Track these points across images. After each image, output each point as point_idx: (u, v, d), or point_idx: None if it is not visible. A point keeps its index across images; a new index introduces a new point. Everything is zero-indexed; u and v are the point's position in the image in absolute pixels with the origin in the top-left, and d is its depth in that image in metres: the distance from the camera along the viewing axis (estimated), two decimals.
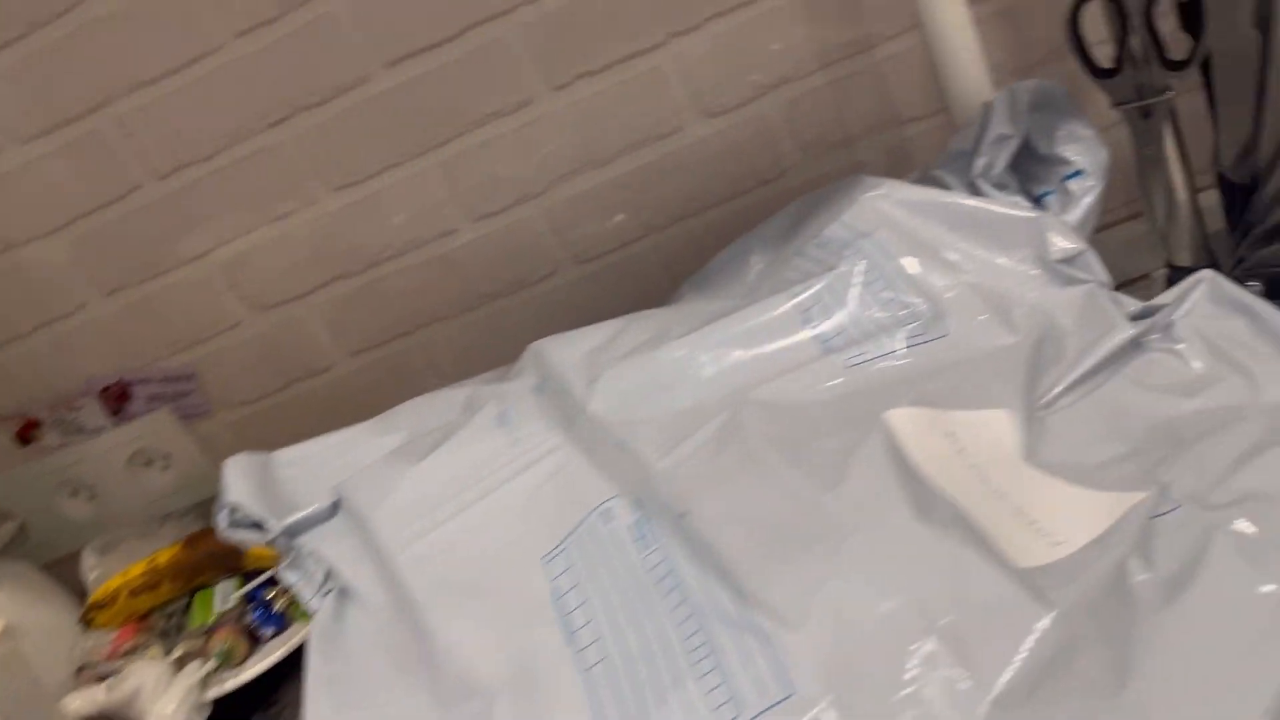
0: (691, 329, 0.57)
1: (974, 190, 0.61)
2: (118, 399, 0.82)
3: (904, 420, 0.46)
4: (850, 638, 0.37)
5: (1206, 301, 0.52)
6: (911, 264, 0.55)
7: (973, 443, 0.46)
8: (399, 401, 0.64)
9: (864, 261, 0.56)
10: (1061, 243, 0.55)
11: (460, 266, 0.77)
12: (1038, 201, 0.62)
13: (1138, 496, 0.41)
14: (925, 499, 0.41)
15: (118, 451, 0.83)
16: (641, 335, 0.60)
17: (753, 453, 0.47)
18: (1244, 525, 0.39)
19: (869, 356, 0.53)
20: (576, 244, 0.76)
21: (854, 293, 0.55)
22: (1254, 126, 0.61)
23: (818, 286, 0.56)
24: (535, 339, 0.62)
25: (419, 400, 0.65)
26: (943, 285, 0.54)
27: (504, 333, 0.78)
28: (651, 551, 0.45)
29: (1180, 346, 0.50)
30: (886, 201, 0.58)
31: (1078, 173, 0.62)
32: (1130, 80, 0.62)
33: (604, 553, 0.46)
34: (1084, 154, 0.61)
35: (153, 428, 0.82)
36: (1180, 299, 0.52)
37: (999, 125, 0.61)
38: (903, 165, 0.71)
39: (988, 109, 0.62)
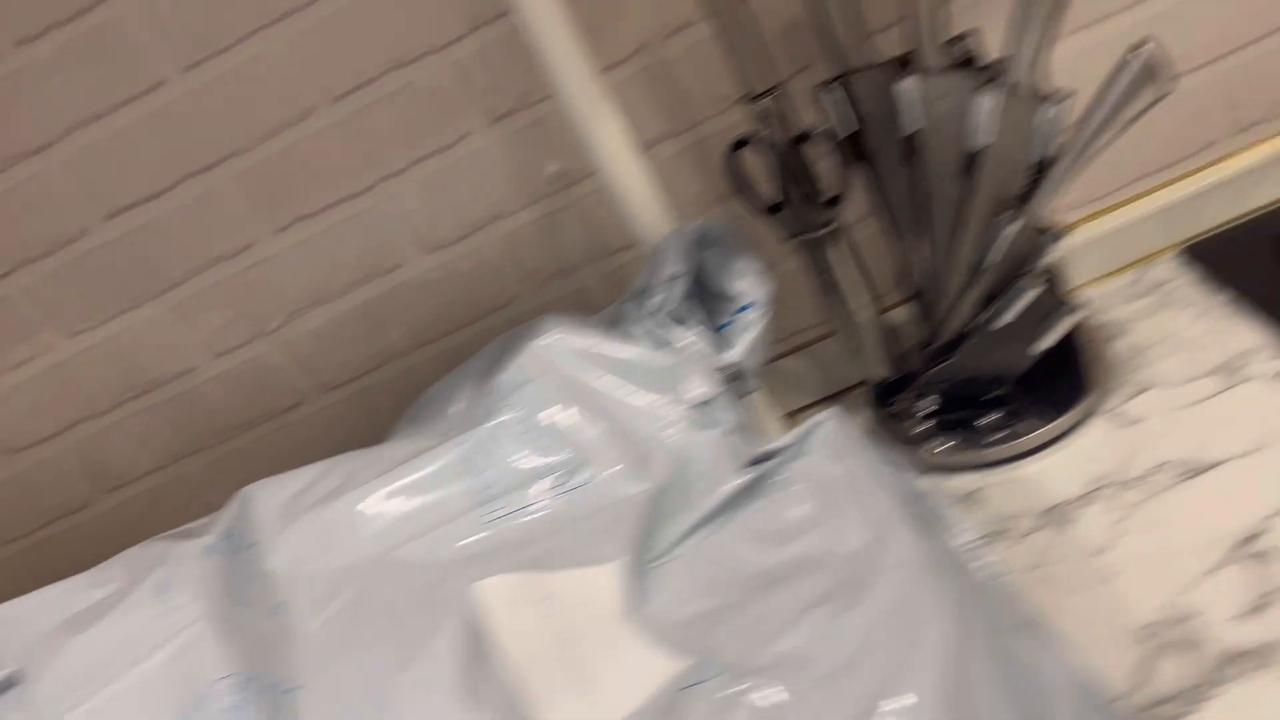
0: (372, 476, 0.59)
1: (654, 325, 0.64)
2: None
3: (496, 591, 0.48)
4: None
5: (824, 444, 0.54)
6: (561, 413, 0.57)
7: (571, 604, 0.48)
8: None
9: (521, 410, 0.58)
10: (699, 387, 0.57)
11: (204, 402, 0.78)
12: (719, 332, 0.65)
13: (679, 665, 0.42)
14: (481, 680, 0.43)
15: None
16: (334, 481, 0.61)
17: (370, 621, 0.49)
18: (766, 696, 0.41)
19: (510, 510, 0.54)
20: (320, 373, 0.78)
21: (508, 443, 0.57)
22: (929, 250, 0.64)
23: (477, 436, 0.58)
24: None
25: (133, 550, 0.66)
26: (589, 434, 0.56)
27: (256, 467, 0.79)
28: None
29: (793, 489, 0.53)
30: (550, 349, 0.60)
31: (748, 305, 0.64)
32: (793, 216, 0.65)
33: None
34: (753, 287, 0.64)
35: None
36: (801, 440, 0.54)
37: (669, 264, 0.64)
38: (620, 292, 0.74)
39: (658, 249, 0.64)
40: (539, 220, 0.73)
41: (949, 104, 0.60)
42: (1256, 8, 0.68)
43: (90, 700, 0.51)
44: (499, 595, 0.47)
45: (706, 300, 0.66)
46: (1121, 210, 0.74)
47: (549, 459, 0.56)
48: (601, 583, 0.49)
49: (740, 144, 0.63)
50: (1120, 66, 0.54)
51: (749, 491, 0.53)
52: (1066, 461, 0.62)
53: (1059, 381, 0.66)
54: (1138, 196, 0.74)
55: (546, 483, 0.55)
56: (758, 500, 0.53)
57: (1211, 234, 0.72)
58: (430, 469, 0.58)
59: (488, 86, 0.68)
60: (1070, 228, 0.73)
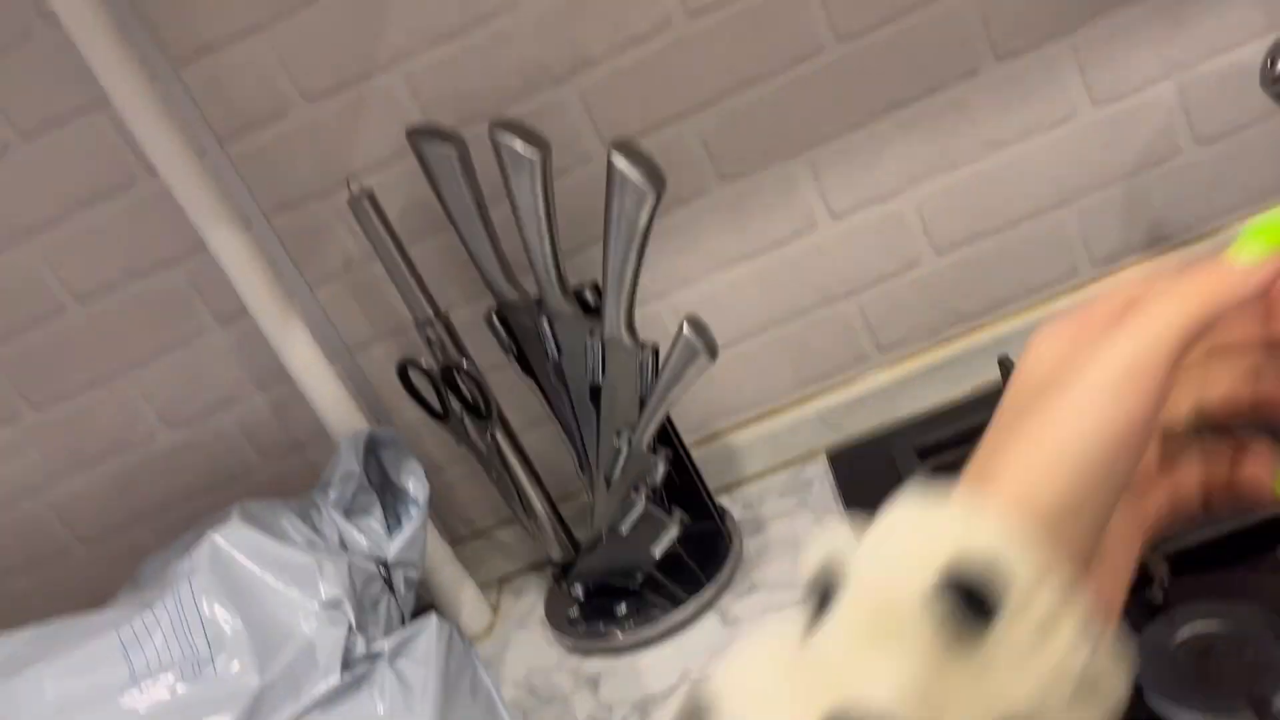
0: (53, 649, 0.68)
1: (335, 516, 0.73)
2: None
3: None
4: None
5: (420, 647, 0.63)
6: (210, 604, 0.66)
7: None
8: None
9: (177, 597, 0.67)
10: (327, 588, 0.66)
11: None
12: (397, 526, 0.74)
13: None
14: None
15: None
16: (28, 649, 0.70)
17: None
18: None
19: (152, 691, 0.63)
20: (79, 526, 0.87)
21: (162, 628, 0.66)
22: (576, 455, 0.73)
23: (142, 619, 0.67)
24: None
25: None
26: (229, 627, 0.65)
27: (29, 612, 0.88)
28: None
29: (379, 688, 0.61)
30: (221, 538, 0.69)
31: (413, 502, 0.74)
32: (456, 427, 0.75)
33: None
34: (417, 487, 0.74)
35: None
36: (402, 642, 0.63)
37: (346, 463, 0.73)
38: None
39: (338, 450, 0.74)
40: (269, 403, 0.83)
41: (575, 342, 0.70)
42: (885, 242, 0.78)
43: None
44: None
45: (390, 496, 0.76)
46: (790, 411, 0.83)
47: (185, 649, 0.65)
48: None
49: (405, 364, 0.73)
50: (676, 336, 0.64)
51: (347, 688, 0.62)
52: (671, 654, 0.71)
53: (690, 576, 0.75)
54: (802, 400, 0.83)
55: (180, 671, 0.63)
56: (351, 698, 0.61)
57: (850, 443, 0.82)
58: (90, 647, 0.67)
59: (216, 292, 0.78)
60: (726, 431, 0.83)
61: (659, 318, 0.80)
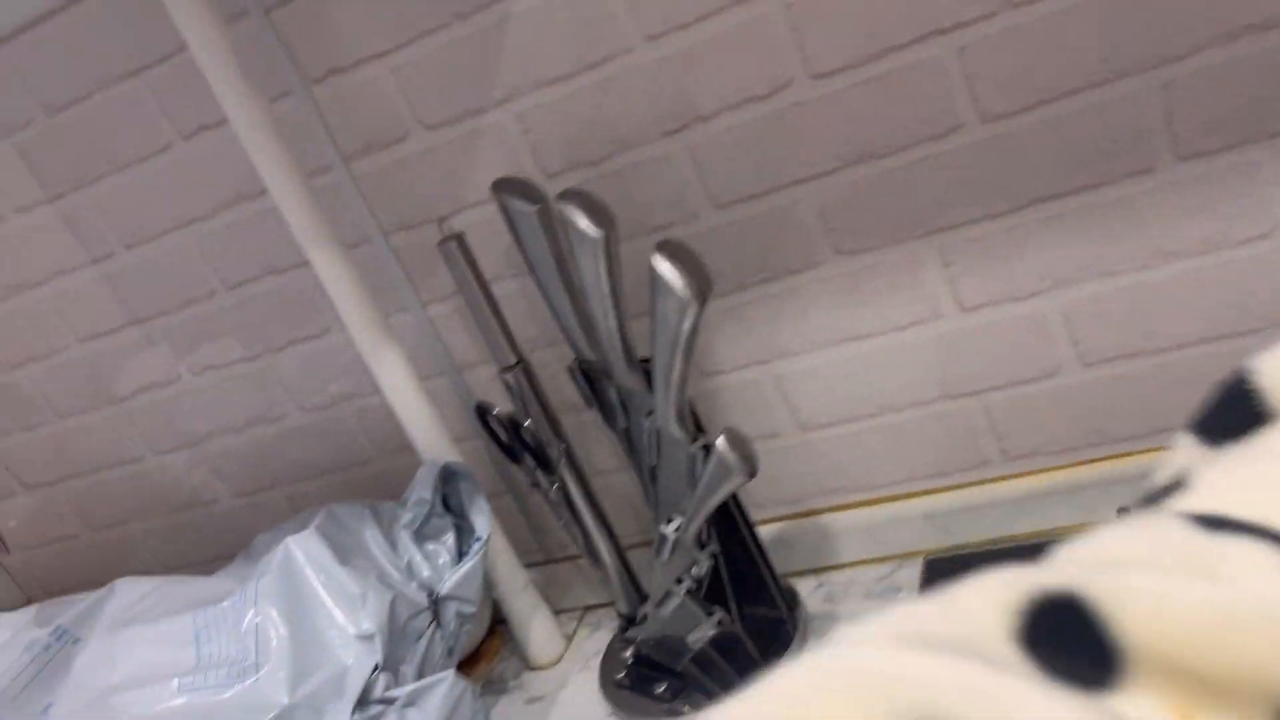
0: (156, 615, 0.75)
1: (408, 538, 0.75)
2: None
3: None
4: None
5: (434, 700, 0.64)
6: (266, 610, 0.70)
7: None
8: None
9: (245, 596, 0.72)
10: (367, 620, 0.68)
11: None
12: (460, 558, 0.76)
13: None
14: None
15: None
16: (145, 603, 0.78)
17: None
18: None
19: (203, 685, 0.69)
20: (238, 495, 0.95)
21: (228, 625, 0.71)
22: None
23: (214, 609, 0.72)
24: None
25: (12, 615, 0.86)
26: (275, 638, 0.69)
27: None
28: None
29: None
30: (295, 546, 0.73)
31: (478, 537, 0.75)
32: (529, 470, 0.74)
33: None
34: (481, 524, 0.74)
35: None
36: (418, 693, 0.65)
37: (421, 490, 0.75)
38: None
39: (418, 477, 0.76)
40: (384, 405, 0.86)
41: (640, 413, 0.67)
42: (1021, 344, 0.69)
43: None
44: None
45: (460, 521, 0.77)
46: (895, 504, 0.76)
47: (239, 651, 0.69)
48: None
49: (481, 408, 0.73)
50: (712, 449, 0.59)
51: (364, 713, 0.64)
52: None
53: (746, 661, 0.71)
54: (909, 495, 0.76)
55: (232, 670, 0.68)
56: None
57: (954, 552, 0.74)
58: (177, 627, 0.73)
59: None
60: (823, 511, 0.77)
61: (757, 385, 0.75)
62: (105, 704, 0.69)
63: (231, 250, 0.83)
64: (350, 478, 0.91)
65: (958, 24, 0.61)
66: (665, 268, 0.55)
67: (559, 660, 0.83)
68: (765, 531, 0.79)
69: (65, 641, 0.78)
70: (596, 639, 0.83)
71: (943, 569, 0.74)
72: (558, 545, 0.87)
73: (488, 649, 0.85)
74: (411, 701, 0.65)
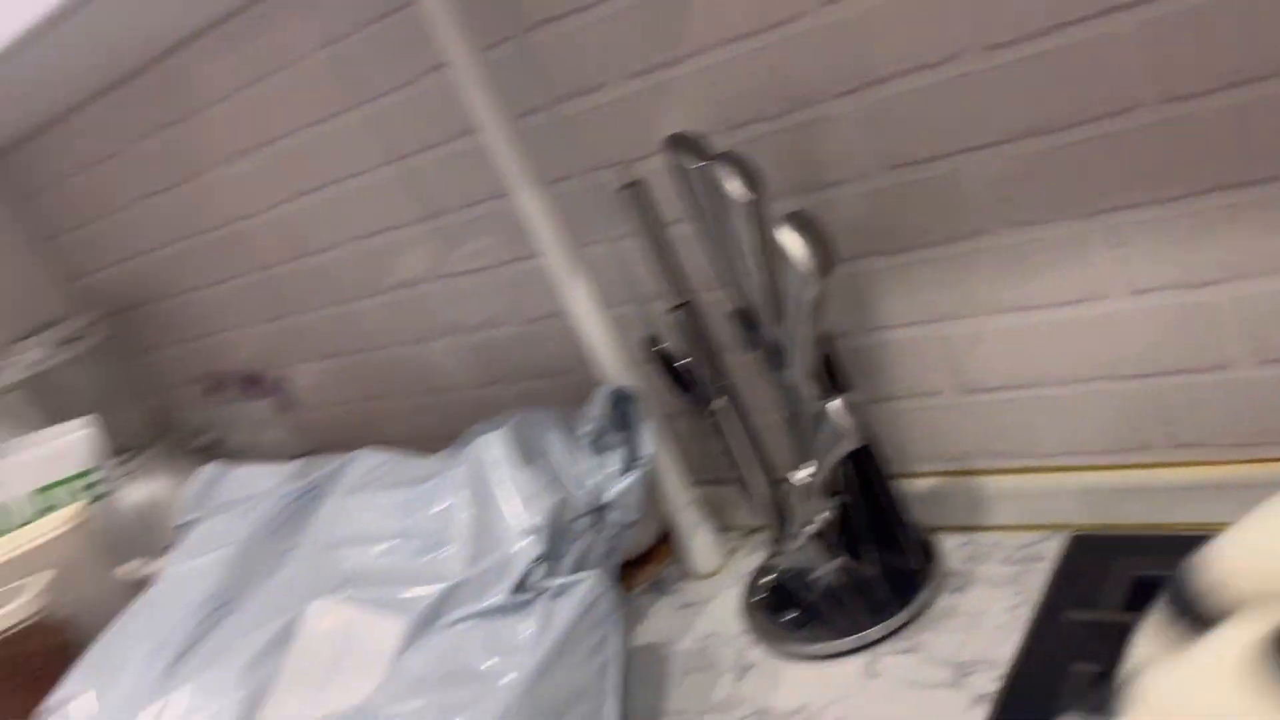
0: (386, 484, 0.89)
1: (587, 446, 0.84)
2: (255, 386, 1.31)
3: (319, 607, 0.76)
4: None
5: (575, 595, 0.73)
6: (462, 492, 0.81)
7: (360, 636, 0.75)
8: None
9: (445, 480, 0.83)
10: (538, 514, 0.77)
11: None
12: (624, 473, 0.84)
13: (371, 698, 0.68)
14: (267, 657, 0.73)
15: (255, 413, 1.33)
16: (379, 471, 0.92)
17: (288, 587, 0.80)
18: None
19: (401, 551, 0.81)
20: (465, 388, 1.08)
21: (429, 504, 0.83)
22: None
23: (421, 489, 0.84)
24: None
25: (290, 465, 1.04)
26: (461, 518, 0.80)
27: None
28: None
29: (531, 618, 0.73)
30: (494, 439, 0.83)
31: (643, 454, 0.82)
32: (693, 401, 0.81)
33: None
34: (648, 441, 0.82)
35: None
36: (563, 587, 0.74)
37: (599, 407, 0.83)
38: None
39: (595, 395, 0.84)
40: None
41: (781, 368, 0.71)
42: (1192, 333, 0.66)
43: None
44: (319, 611, 0.76)
45: (630, 437, 0.85)
46: (1050, 476, 0.76)
47: (431, 526, 0.81)
48: (388, 631, 0.75)
49: (651, 341, 0.79)
50: (826, 412, 0.62)
51: (507, 608, 0.74)
52: (809, 680, 0.73)
53: (874, 605, 0.75)
54: (1065, 469, 0.75)
55: (418, 543, 0.80)
56: (502, 618, 0.74)
57: (1103, 531, 0.73)
58: (395, 498, 0.86)
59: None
60: (981, 473, 0.79)
61: (921, 343, 0.76)
62: (328, 555, 0.84)
63: (460, 177, 0.93)
64: (556, 385, 1.01)
65: None
66: (790, 240, 0.58)
67: (715, 574, 0.90)
68: (920, 485, 0.81)
69: (312, 496, 0.94)
70: (754, 560, 0.89)
71: (1088, 546, 0.73)
72: (725, 469, 0.93)
73: (656, 554, 0.93)
74: (560, 593, 0.74)
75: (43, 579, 0.98)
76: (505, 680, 0.69)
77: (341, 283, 1.12)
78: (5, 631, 0.94)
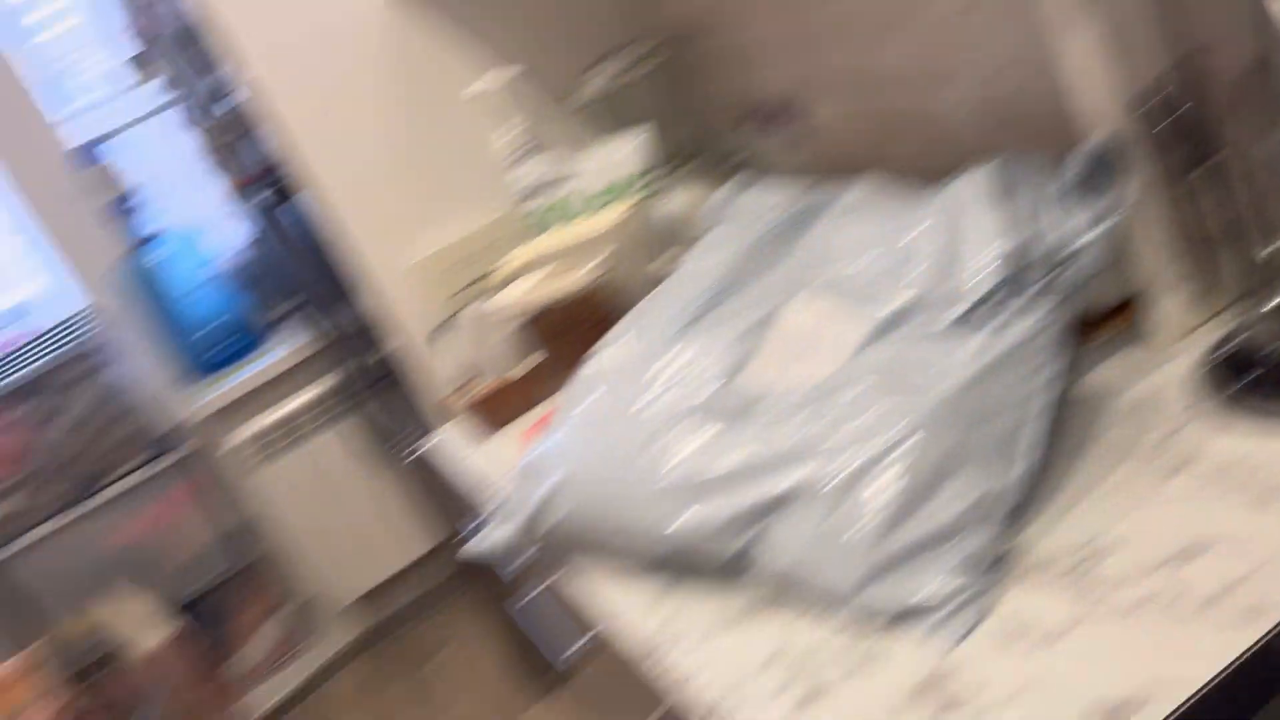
0: (870, 204, 1.01)
1: (1061, 197, 0.89)
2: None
3: (800, 301, 0.91)
4: None
5: (1028, 323, 0.81)
6: (934, 225, 0.90)
7: (829, 328, 0.89)
8: None
9: (919, 216, 0.92)
10: (995, 251, 0.84)
11: None
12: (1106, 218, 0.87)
13: (835, 379, 0.84)
14: (741, 335, 0.90)
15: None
16: (865, 195, 1.04)
17: (774, 285, 0.97)
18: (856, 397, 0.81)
19: (870, 268, 0.93)
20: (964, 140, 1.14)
21: (906, 230, 0.93)
22: None
23: (899, 219, 0.95)
24: None
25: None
26: (928, 247, 0.89)
27: None
28: None
29: (977, 337, 0.82)
30: (968, 179, 0.90)
31: (1116, 210, 0.85)
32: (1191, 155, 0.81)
33: None
34: (1122, 197, 0.84)
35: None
36: (1013, 318, 0.81)
37: (1082, 158, 0.86)
38: None
39: (1082, 147, 0.86)
40: None
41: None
42: None
43: None
44: (802, 303, 0.91)
45: (1106, 201, 0.87)
46: None
47: (905, 246, 0.91)
48: (854, 329, 0.89)
49: (1155, 90, 0.79)
50: None
51: (961, 324, 0.84)
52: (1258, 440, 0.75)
53: None
54: None
55: (889, 261, 0.91)
56: (961, 330, 0.83)
57: None
58: (875, 223, 0.98)
59: None
60: None
61: None
62: (814, 262, 0.98)
63: None
64: (1044, 137, 1.03)
65: None
66: None
67: (1176, 340, 0.91)
68: None
69: (810, 213, 1.08)
70: (1218, 332, 0.89)
71: None
72: (1209, 234, 0.91)
73: (1120, 316, 0.96)
74: (1009, 322, 0.82)
75: (605, 252, 1.25)
76: (943, 384, 0.80)
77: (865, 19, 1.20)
78: (580, 290, 1.23)
